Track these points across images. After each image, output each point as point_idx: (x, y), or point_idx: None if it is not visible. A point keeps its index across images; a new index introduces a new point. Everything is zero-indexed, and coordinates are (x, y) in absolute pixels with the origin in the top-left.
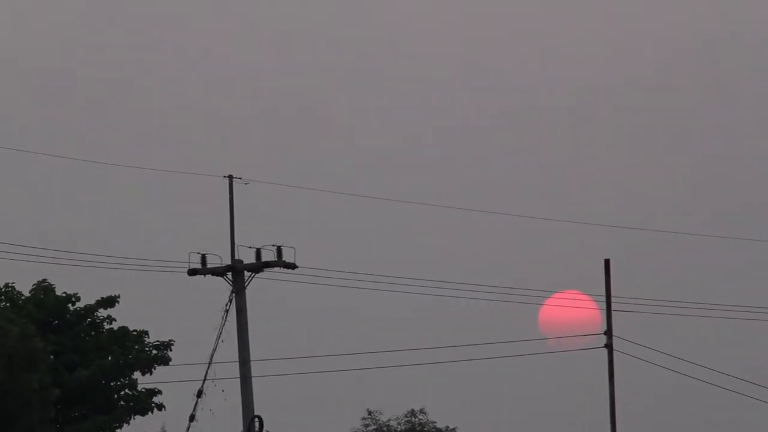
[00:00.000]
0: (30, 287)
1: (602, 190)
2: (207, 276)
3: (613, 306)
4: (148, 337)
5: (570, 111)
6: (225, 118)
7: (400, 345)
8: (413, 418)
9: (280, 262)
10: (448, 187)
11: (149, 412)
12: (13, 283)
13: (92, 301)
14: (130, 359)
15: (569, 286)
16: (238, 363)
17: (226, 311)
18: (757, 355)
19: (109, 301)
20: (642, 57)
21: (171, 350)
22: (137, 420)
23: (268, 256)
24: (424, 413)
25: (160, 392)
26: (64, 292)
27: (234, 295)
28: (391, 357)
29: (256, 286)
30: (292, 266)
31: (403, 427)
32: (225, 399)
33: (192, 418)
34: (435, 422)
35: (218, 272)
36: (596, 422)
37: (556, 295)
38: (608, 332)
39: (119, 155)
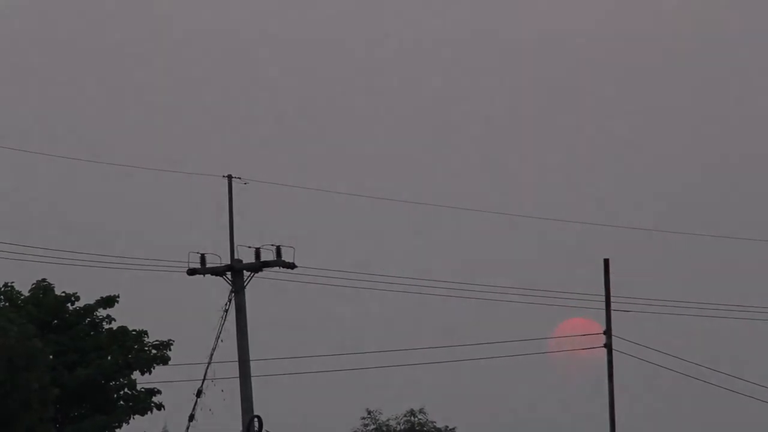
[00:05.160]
0: (29, 287)
1: (603, 190)
2: (206, 276)
3: (613, 306)
4: (148, 337)
5: (570, 110)
6: (225, 118)
7: (400, 345)
8: (413, 418)
9: (279, 262)
10: (448, 187)
11: (148, 412)
12: (12, 282)
13: (92, 301)
14: (129, 359)
15: (569, 286)
16: (237, 362)
17: (226, 311)
18: (756, 356)
19: (109, 301)
20: (641, 56)
21: (170, 350)
22: (137, 419)
23: (267, 255)
24: (424, 413)
25: (159, 392)
26: (64, 292)
27: (233, 294)
28: (391, 357)
29: (256, 286)
30: (291, 266)
31: (402, 427)
32: (224, 399)
33: (191, 417)
34: (434, 422)
35: (217, 272)
36: (596, 422)
37: (562, 325)
38: (607, 332)
39: (119, 155)
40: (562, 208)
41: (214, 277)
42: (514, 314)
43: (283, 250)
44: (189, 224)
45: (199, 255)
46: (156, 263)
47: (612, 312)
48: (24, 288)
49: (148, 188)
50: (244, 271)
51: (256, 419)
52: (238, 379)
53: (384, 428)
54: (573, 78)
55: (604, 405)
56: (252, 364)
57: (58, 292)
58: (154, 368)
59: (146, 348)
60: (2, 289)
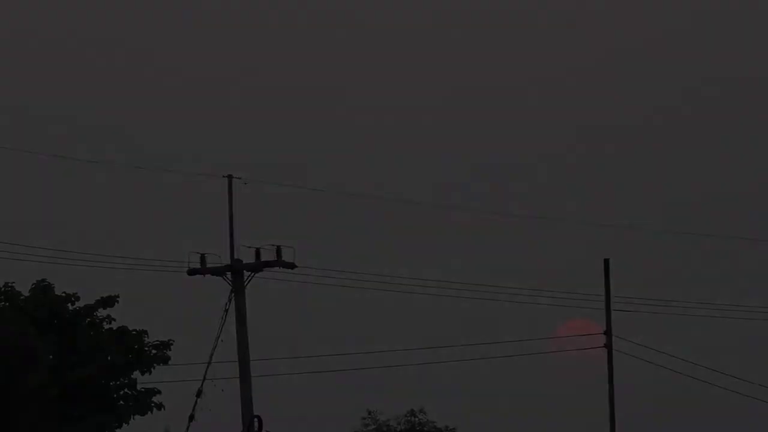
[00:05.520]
0: (29, 287)
1: (602, 190)
2: (206, 275)
3: (613, 306)
4: (148, 337)
5: (570, 109)
6: (225, 118)
7: (400, 345)
8: (413, 418)
9: (279, 262)
10: (448, 186)
11: (149, 412)
12: (12, 282)
13: (92, 301)
14: (129, 359)
15: (569, 286)
16: (237, 362)
17: (226, 311)
18: (756, 356)
19: (109, 301)
20: (641, 58)
21: (170, 350)
22: (137, 419)
23: (267, 255)
24: (424, 413)
25: (159, 392)
26: (64, 292)
27: (233, 294)
28: (391, 357)
29: (256, 286)
30: (291, 266)
31: (402, 427)
32: (224, 399)
33: (191, 417)
34: (434, 422)
35: (218, 272)
36: (596, 422)
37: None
38: (607, 332)
39: (118, 154)
40: (562, 208)
41: (214, 277)
42: (514, 314)
43: (283, 250)
44: (189, 224)
45: (199, 255)
46: (156, 263)
47: (612, 312)
48: (24, 288)
49: (148, 188)
50: (245, 271)
51: (256, 419)
52: (239, 379)
53: (384, 428)
54: (572, 78)
55: (604, 405)
56: (252, 364)
57: (58, 291)
58: (154, 368)
59: (146, 348)
60: (2, 289)
